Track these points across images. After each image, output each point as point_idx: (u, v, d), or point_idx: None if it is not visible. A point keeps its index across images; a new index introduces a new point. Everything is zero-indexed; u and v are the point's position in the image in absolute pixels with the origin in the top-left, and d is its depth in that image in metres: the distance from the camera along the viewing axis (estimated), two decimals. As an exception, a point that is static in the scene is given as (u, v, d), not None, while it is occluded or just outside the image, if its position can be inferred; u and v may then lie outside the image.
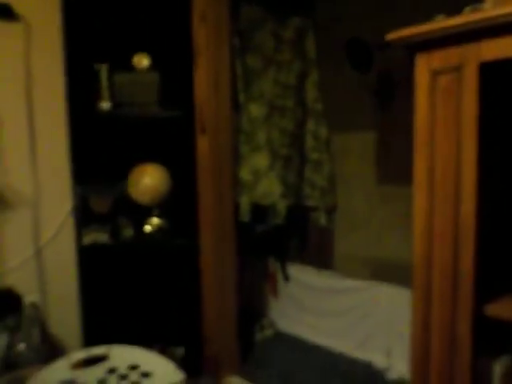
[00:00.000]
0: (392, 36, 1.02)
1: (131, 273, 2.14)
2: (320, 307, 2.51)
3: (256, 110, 2.22)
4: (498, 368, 1.09)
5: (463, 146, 0.99)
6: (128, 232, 2.11)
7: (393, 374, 2.13)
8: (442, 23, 0.95)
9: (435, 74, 1.01)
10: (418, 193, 1.08)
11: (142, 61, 2.07)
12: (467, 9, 1.04)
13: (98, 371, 1.78)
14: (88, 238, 1.99)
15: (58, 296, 2.00)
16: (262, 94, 2.24)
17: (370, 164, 2.27)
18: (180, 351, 2.17)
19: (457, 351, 1.05)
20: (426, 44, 1.00)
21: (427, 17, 1.07)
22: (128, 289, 2.13)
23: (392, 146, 2.14)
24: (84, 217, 2.00)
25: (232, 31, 2.15)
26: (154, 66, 2.06)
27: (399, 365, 2.11)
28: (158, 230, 2.12)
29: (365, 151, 2.28)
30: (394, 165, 2.17)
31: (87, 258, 1.98)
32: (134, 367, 1.78)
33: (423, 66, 1.03)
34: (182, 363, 1.96)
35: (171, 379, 1.69)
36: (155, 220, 2.13)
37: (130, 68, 2.03)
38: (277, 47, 2.26)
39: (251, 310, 2.65)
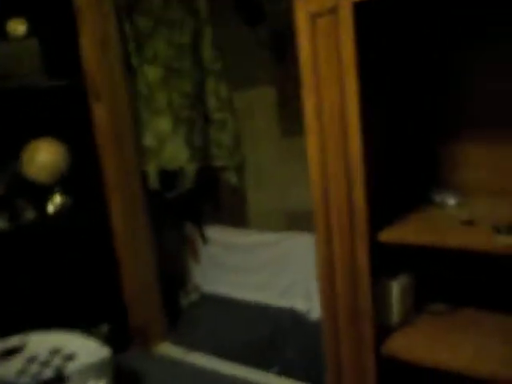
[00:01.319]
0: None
1: (39, 256, 2.02)
2: (241, 264, 2.57)
3: (152, 72, 2.14)
4: (395, 286, 1.20)
5: (345, 86, 1.03)
6: (29, 214, 1.98)
7: (314, 315, 2.26)
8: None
9: (314, 17, 1.03)
10: (310, 135, 1.12)
11: (18, 27, 1.89)
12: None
13: (16, 362, 1.69)
14: (-18, 226, 1.84)
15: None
16: (157, 55, 2.16)
17: (273, 118, 2.30)
18: (104, 328, 2.13)
19: (357, 276, 1.13)
20: (301, -14, 1.01)
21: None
22: (39, 273, 2.01)
23: (292, 98, 2.18)
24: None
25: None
26: (32, 31, 1.89)
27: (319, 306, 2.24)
28: (63, 208, 2.01)
29: (266, 106, 2.30)
30: (297, 118, 2.22)
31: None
32: (55, 352, 1.71)
33: (302, 11, 1.04)
34: (108, 339, 1.94)
35: (97, 357, 1.65)
36: (57, 198, 2.01)
37: (4, 36, 1.85)
38: (166, 5, 2.17)
39: (174, 277, 2.65)
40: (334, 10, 0.99)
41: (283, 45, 2.08)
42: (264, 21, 2.01)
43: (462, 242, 1.04)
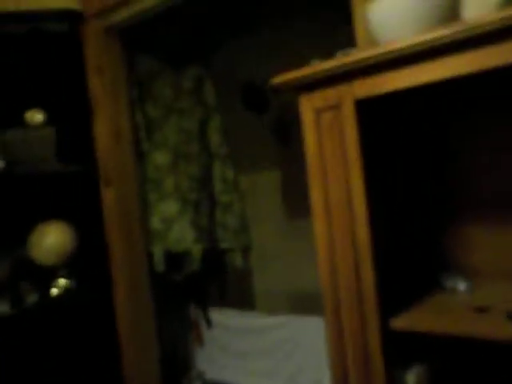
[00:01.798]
0: (276, 80, 1.10)
1: (41, 341, 1.96)
2: (246, 349, 2.48)
3: (161, 157, 2.22)
4: (411, 378, 1.15)
5: (350, 176, 1.07)
6: (32, 298, 1.96)
7: (324, 405, 2.14)
8: (318, 66, 1.05)
9: (318, 112, 1.09)
10: (317, 223, 1.14)
11: (35, 116, 2.00)
12: (339, 53, 1.16)
13: None
14: (-15, 311, 1.81)
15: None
16: (166, 141, 2.25)
17: (279, 200, 2.35)
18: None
19: (370, 367, 1.09)
20: (307, 86, 1.09)
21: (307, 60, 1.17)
22: (40, 358, 1.95)
23: (296, 180, 2.25)
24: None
25: (129, 82, 2.16)
26: (49, 120, 1.99)
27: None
28: (67, 291, 1.99)
29: (272, 188, 2.36)
30: (302, 199, 2.26)
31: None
32: None
33: (307, 106, 1.11)
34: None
35: None
36: (62, 281, 2.00)
37: (23, 124, 1.95)
38: (176, 96, 2.31)
39: (177, 362, 2.55)
40: (337, 107, 1.06)
41: (287, 129, 2.19)
42: (268, 109, 2.12)
43: (476, 330, 1.01)
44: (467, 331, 1.03)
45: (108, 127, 2.01)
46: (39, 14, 1.95)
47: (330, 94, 1.07)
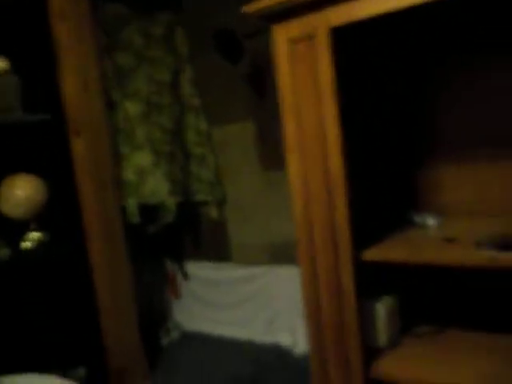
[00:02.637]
0: (249, 8, 1.07)
1: (13, 294, 1.94)
2: (223, 300, 2.52)
3: (132, 107, 2.16)
4: (381, 308, 1.20)
5: (324, 107, 1.06)
6: (3, 252, 1.92)
7: (299, 350, 2.21)
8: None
9: (293, 42, 1.07)
10: (291, 156, 1.13)
11: (-2, 64, 1.90)
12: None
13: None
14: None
15: None
16: (137, 91, 2.19)
17: (253, 152, 2.33)
18: (81, 371, 2.03)
19: (343, 298, 1.12)
20: (280, 14, 1.06)
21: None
22: (12, 312, 1.93)
23: (271, 131, 2.23)
24: None
25: (96, 29, 2.07)
26: (13, 69, 1.90)
27: (304, 340, 2.20)
28: (39, 244, 1.96)
29: (246, 140, 2.34)
30: (276, 150, 2.25)
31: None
32: (27, 397, 1.61)
33: (281, 36, 1.09)
34: (86, 382, 1.84)
35: (71, 399, 1.57)
36: (34, 234, 1.96)
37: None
38: (147, 44, 2.23)
39: (154, 315, 2.57)
40: (311, 36, 1.04)
41: (262, 79, 2.15)
42: (242, 58, 2.07)
43: (445, 257, 1.05)
44: (437, 259, 1.06)
45: (75, 75, 1.93)
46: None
47: (304, 23, 1.04)
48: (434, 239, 1.17)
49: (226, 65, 2.18)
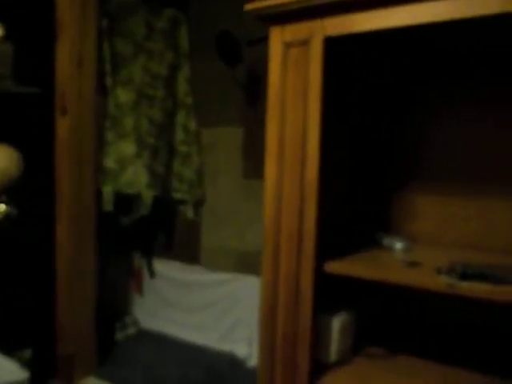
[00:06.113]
0: (249, 7, 1.08)
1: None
2: (185, 302, 2.48)
3: (124, 95, 2.16)
4: (335, 323, 1.19)
5: (308, 114, 1.07)
6: (-32, 220, 1.87)
7: (253, 361, 2.18)
8: (291, -3, 1.04)
9: (287, 46, 1.08)
10: (269, 160, 1.14)
11: (-6, 30, 1.89)
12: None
13: None
14: None
15: None
16: (131, 80, 2.18)
17: (237, 158, 2.34)
18: (27, 353, 1.97)
19: (300, 308, 1.12)
20: (278, 16, 1.07)
21: None
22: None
23: (258, 140, 2.24)
24: None
25: (101, 12, 2.07)
26: (8, 36, 1.88)
27: (259, 352, 2.17)
28: (5, 218, 1.91)
29: (232, 145, 2.34)
30: (260, 159, 2.26)
31: None
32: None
33: (277, 39, 1.10)
34: (30, 366, 1.79)
35: (11, 378, 1.51)
36: (2, 206, 1.92)
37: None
38: (148, 35, 2.23)
39: (114, 307, 2.52)
40: (306, 42, 1.05)
41: (258, 89, 2.16)
42: (239, 62, 2.09)
43: (406, 279, 1.05)
44: (397, 278, 1.07)
45: (71, 52, 1.92)
46: None
47: (300, 29, 1.06)
48: (397, 261, 1.18)
49: (223, 69, 2.19)
